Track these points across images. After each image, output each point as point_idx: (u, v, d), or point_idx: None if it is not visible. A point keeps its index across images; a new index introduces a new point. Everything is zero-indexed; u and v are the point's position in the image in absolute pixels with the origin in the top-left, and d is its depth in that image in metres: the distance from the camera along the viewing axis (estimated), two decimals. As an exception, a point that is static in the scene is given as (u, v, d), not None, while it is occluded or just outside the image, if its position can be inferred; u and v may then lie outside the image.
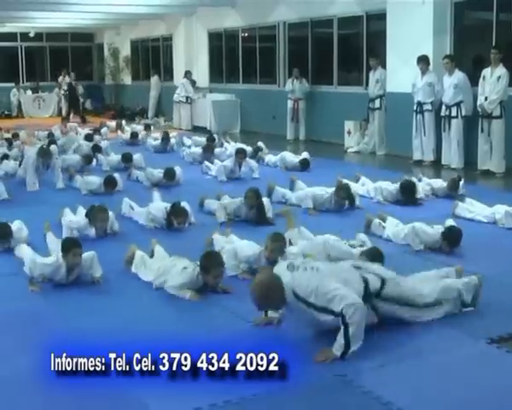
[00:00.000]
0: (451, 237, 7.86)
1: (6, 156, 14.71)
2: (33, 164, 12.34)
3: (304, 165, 13.83)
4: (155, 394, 4.68)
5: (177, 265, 6.81)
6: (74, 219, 9.01)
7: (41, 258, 7.20)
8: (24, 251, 7.74)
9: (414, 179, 11.08)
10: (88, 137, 17.76)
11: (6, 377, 5.00)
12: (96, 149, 15.45)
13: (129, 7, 23.00)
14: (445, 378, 4.88)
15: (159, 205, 9.66)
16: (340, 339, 5.08)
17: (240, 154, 13.08)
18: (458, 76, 13.69)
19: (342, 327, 5.08)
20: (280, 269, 5.44)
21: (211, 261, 6.58)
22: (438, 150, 14.27)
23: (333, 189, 10.14)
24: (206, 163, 13.94)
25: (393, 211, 9.50)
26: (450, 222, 8.46)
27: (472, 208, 9.63)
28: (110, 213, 9.00)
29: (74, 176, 12.55)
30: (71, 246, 6.98)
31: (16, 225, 8.51)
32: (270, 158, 14.76)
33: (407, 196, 10.48)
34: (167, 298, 6.60)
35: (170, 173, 12.13)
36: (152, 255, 7.47)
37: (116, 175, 12.07)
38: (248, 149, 15.18)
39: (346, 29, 18.45)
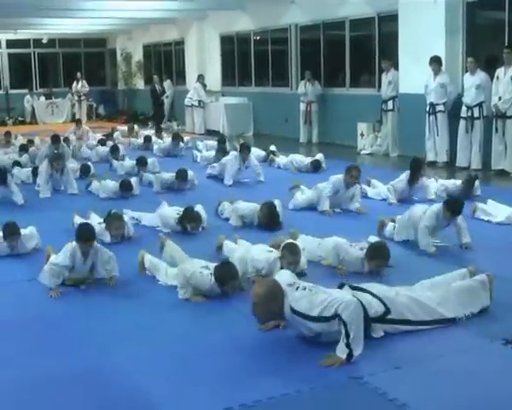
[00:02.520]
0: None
1: (17, 163, 14.80)
2: (47, 171, 12.38)
3: (315, 166, 13.83)
4: (180, 394, 4.74)
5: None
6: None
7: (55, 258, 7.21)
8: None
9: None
10: (101, 143, 17.86)
11: (25, 381, 5.02)
12: (115, 150, 15.51)
13: (141, 12, 23.04)
14: (460, 380, 4.85)
15: (169, 210, 9.65)
16: (342, 340, 5.07)
17: (244, 149, 13.02)
18: (481, 76, 13.63)
19: (342, 327, 5.06)
20: (282, 283, 5.44)
21: (225, 275, 6.57)
22: (451, 151, 14.23)
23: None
24: (209, 166, 13.93)
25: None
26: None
27: (490, 209, 9.58)
28: (126, 218, 9.04)
29: (92, 181, 12.62)
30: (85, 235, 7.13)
31: (28, 231, 8.56)
32: (280, 160, 14.84)
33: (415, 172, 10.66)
34: (181, 300, 6.62)
35: (182, 174, 12.14)
36: (162, 248, 7.56)
37: (132, 179, 12.12)
38: (261, 152, 15.28)
39: (357, 31, 18.42)
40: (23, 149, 16.41)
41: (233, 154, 13.40)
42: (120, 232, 8.82)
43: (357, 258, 7.21)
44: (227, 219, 9.70)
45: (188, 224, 9.09)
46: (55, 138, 15.80)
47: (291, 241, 7.46)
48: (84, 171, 13.92)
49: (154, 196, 11.38)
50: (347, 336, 5.04)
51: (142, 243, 8.39)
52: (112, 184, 12.04)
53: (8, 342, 5.82)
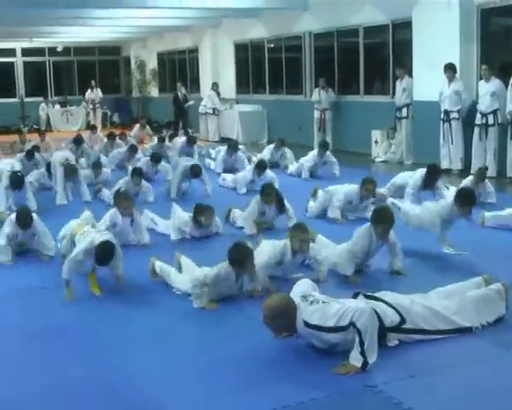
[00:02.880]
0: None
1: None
2: (62, 178, 12.50)
3: (323, 145, 14.36)
4: (194, 403, 4.74)
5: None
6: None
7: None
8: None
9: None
10: (111, 137, 18.28)
11: (37, 390, 5.03)
12: (133, 150, 15.63)
13: (155, 19, 23.13)
14: (476, 390, 4.82)
15: (182, 214, 9.66)
16: (356, 348, 5.06)
17: (260, 166, 13.01)
18: (495, 83, 13.58)
19: (356, 335, 5.05)
20: (294, 297, 5.45)
21: (242, 254, 6.62)
22: (466, 159, 14.19)
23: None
24: (223, 175, 14.01)
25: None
26: None
27: (502, 213, 9.54)
28: (145, 220, 9.17)
29: (101, 189, 12.64)
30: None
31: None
32: (292, 167, 14.97)
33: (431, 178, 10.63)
34: (194, 308, 6.63)
35: (195, 169, 12.18)
36: (179, 269, 7.47)
37: (148, 185, 12.22)
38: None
39: (371, 38, 18.40)
40: (35, 149, 16.50)
41: (248, 168, 13.39)
42: (129, 211, 8.92)
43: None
44: (241, 228, 9.72)
45: (202, 217, 9.19)
46: (78, 139, 16.97)
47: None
48: (96, 166, 14.17)
49: (168, 203, 11.32)
50: (362, 344, 5.03)
51: (154, 250, 8.40)
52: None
53: (20, 350, 5.84)
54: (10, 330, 6.32)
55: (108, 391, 4.98)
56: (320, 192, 10.88)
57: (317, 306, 5.26)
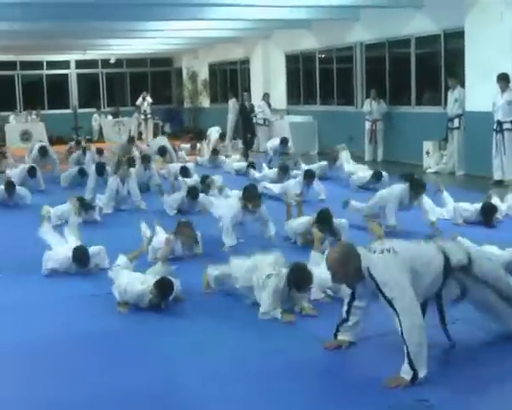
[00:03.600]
0: None
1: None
2: (112, 186, 12.63)
3: (376, 178, 13.87)
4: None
5: (259, 271, 6.85)
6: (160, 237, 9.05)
7: (131, 285, 7.09)
8: (118, 275, 7.46)
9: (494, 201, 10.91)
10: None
11: (87, 396, 5.09)
12: (185, 171, 15.57)
13: (207, 31, 23.30)
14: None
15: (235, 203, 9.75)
16: (405, 361, 5.03)
17: (308, 176, 12.97)
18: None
19: (404, 346, 5.02)
20: (358, 248, 5.44)
21: (303, 279, 6.61)
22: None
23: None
24: (267, 185, 13.65)
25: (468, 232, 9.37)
26: None
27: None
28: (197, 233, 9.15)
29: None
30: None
31: (97, 250, 8.65)
32: (348, 166, 14.95)
33: (488, 217, 10.29)
34: (250, 320, 6.62)
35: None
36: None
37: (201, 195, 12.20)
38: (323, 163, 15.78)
39: (423, 48, 18.27)
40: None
41: (297, 179, 13.33)
42: (190, 241, 8.87)
43: None
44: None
45: (249, 203, 9.29)
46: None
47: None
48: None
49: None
50: (408, 355, 5.00)
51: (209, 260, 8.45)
52: (178, 197, 12.23)
53: (71, 357, 5.90)
54: (61, 336, 6.40)
55: (159, 400, 5.01)
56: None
57: (382, 255, 5.28)
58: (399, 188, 10.11)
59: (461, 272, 5.47)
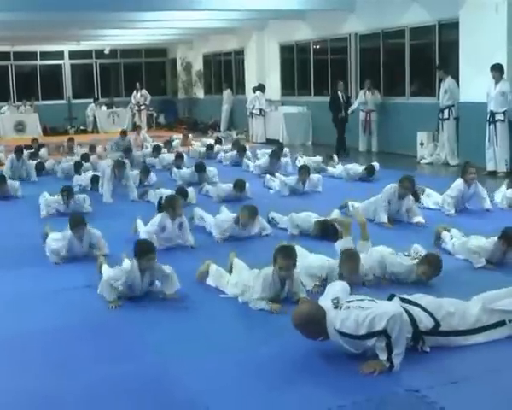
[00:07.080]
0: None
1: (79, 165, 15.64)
2: (109, 177, 12.74)
3: (369, 172, 13.86)
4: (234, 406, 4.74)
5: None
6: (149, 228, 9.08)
7: (113, 271, 7.24)
8: (105, 271, 7.60)
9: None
10: (156, 149, 18.24)
11: (81, 387, 5.09)
12: (180, 158, 15.68)
13: (201, 22, 23.25)
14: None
15: (227, 215, 9.76)
16: (383, 353, 5.08)
17: (303, 171, 12.92)
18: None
19: (383, 339, 5.05)
20: (325, 303, 5.45)
21: (281, 253, 6.64)
22: (511, 161, 14.05)
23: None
24: (268, 177, 13.86)
25: (459, 222, 9.43)
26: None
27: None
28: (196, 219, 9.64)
29: (147, 192, 12.76)
30: (146, 251, 7.04)
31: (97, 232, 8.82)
32: (334, 170, 14.88)
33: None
34: (241, 313, 6.64)
35: (240, 184, 12.12)
36: (230, 270, 7.45)
37: (190, 189, 12.16)
38: (318, 158, 15.53)
39: (418, 39, 18.25)
40: (84, 158, 16.65)
41: (293, 178, 13.11)
42: (179, 212, 9.03)
43: (403, 266, 7.21)
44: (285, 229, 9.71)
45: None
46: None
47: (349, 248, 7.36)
48: (145, 172, 14.36)
49: (210, 206, 11.31)
50: (390, 351, 5.05)
51: (202, 251, 8.51)
52: (168, 192, 12.15)
53: (65, 348, 5.89)
54: (54, 327, 6.39)
55: (153, 390, 5.01)
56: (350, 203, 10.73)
57: (348, 312, 5.24)
58: (388, 187, 10.17)
59: (430, 335, 5.44)
